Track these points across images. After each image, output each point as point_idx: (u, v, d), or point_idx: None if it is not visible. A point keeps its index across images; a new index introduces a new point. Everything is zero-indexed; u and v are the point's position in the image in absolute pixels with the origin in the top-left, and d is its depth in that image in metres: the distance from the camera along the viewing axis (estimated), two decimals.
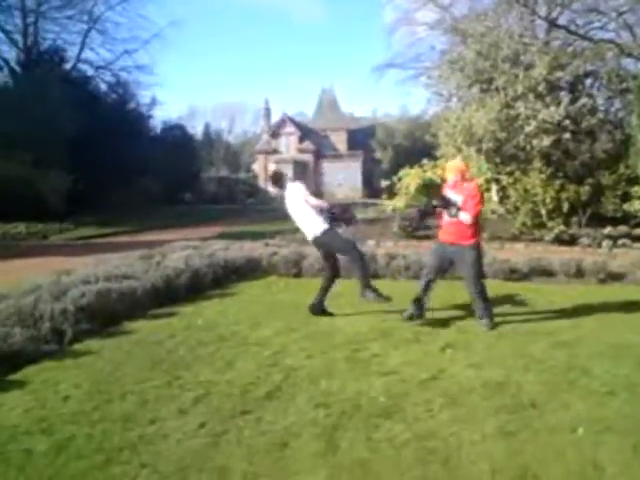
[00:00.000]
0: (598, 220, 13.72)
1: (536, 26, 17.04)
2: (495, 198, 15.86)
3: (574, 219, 13.74)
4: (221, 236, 14.99)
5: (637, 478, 2.99)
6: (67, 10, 28.81)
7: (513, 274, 8.57)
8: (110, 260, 9.19)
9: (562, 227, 13.08)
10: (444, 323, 6.08)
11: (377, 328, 5.89)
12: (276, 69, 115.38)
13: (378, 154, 50.91)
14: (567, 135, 14.20)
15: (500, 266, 8.58)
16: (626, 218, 13.70)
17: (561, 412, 3.75)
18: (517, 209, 14.32)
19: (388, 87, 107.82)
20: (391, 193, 17.03)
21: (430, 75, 18.59)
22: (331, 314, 6.49)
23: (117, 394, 4.22)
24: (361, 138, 51.26)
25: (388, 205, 17.00)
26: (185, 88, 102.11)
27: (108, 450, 3.36)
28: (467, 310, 6.37)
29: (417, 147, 38.27)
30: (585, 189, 13.77)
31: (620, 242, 12.25)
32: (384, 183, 17.21)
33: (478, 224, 6.10)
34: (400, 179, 16.71)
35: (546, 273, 8.64)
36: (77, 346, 5.46)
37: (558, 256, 9.36)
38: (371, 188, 46.81)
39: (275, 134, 51.25)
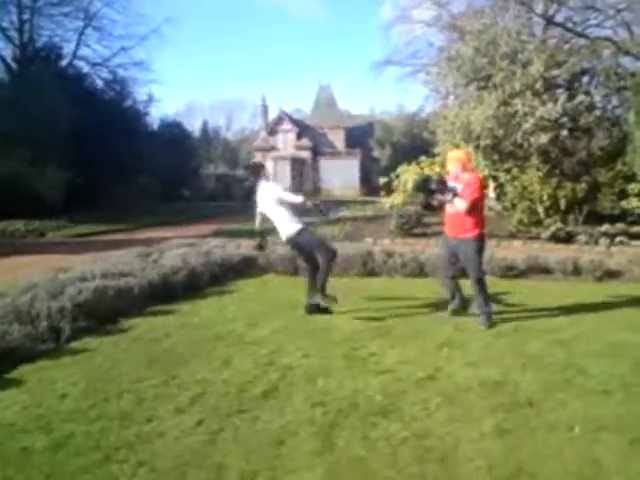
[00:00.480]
0: (595, 218, 13.74)
1: (533, 23, 17.04)
2: (492, 195, 15.88)
3: (571, 216, 13.76)
4: (218, 234, 14.97)
5: (633, 475, 3.00)
6: (63, 7, 28.70)
7: (510, 271, 8.58)
8: (107, 258, 9.18)
9: (559, 224, 13.09)
10: (441, 321, 6.08)
11: (374, 327, 5.90)
12: (274, 66, 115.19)
13: (376, 152, 50.91)
14: (564, 132, 14.21)
15: (497, 263, 8.59)
16: (623, 215, 13.73)
17: (558, 410, 3.76)
18: (514, 206, 14.34)
19: (385, 84, 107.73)
20: (389, 190, 17.03)
21: (428, 72, 18.59)
22: (326, 309, 6.48)
23: (114, 392, 4.22)
24: (359, 136, 51.23)
25: (386, 202, 17.01)
26: (183, 85, 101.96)
27: (106, 448, 3.37)
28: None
29: (415, 144, 38.27)
30: (582, 186, 13.79)
31: (617, 240, 12.27)
32: (382, 180, 17.18)
33: (480, 217, 6.01)
34: (398, 176, 16.72)
35: (543, 271, 8.66)
36: (74, 344, 5.46)
37: (555, 254, 9.38)
38: (369, 186, 46.76)
39: (273, 131, 51.17)
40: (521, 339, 5.40)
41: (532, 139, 14.22)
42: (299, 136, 50.52)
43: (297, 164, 49.45)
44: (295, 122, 51.64)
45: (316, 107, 52.94)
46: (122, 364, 4.87)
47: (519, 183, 14.24)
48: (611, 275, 8.34)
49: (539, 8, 16.57)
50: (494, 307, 6.22)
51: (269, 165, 49.55)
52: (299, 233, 6.37)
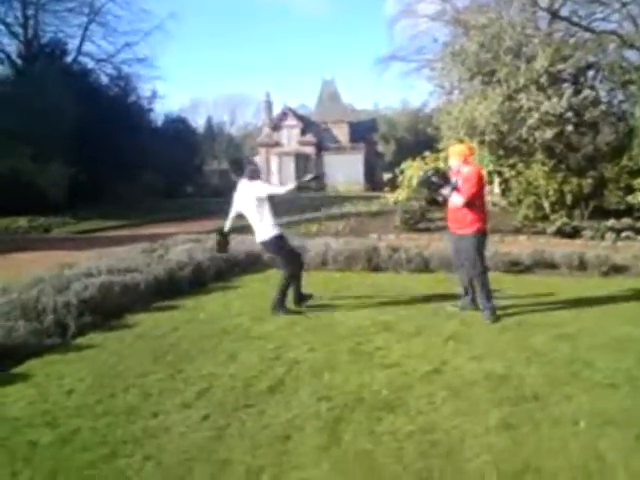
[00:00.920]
0: (601, 213, 13.70)
1: (538, 18, 16.96)
2: (497, 190, 15.85)
3: (577, 211, 13.73)
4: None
5: (638, 469, 2.99)
6: (67, 2, 28.70)
7: (515, 266, 8.56)
8: (113, 253, 9.20)
9: (565, 220, 13.04)
10: (447, 316, 6.08)
11: (379, 321, 5.90)
12: (278, 62, 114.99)
13: (380, 147, 50.84)
14: (570, 127, 14.16)
15: (501, 258, 8.57)
16: (629, 210, 13.68)
17: (563, 405, 3.75)
18: (519, 201, 14.29)
19: (389, 80, 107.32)
20: (393, 186, 17.01)
21: (432, 68, 18.55)
22: (310, 296, 6.55)
23: (120, 387, 4.24)
24: (363, 131, 51.15)
25: (390, 198, 16.99)
26: (187, 81, 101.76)
27: (112, 443, 3.38)
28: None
29: (420, 140, 38.18)
30: (588, 182, 13.75)
31: (623, 235, 12.22)
32: (386, 176, 17.16)
33: (480, 211, 5.96)
34: (402, 172, 16.70)
35: (549, 266, 8.64)
36: (80, 339, 5.48)
37: (561, 249, 9.35)
38: (373, 181, 46.73)
39: (277, 127, 51.11)
40: (526, 333, 5.40)
41: (537, 134, 14.18)
42: (303, 132, 50.45)
43: (301, 160, 49.39)
44: (299, 117, 51.58)
45: (320, 102, 52.85)
46: (128, 359, 4.89)
47: (524, 178, 14.20)
48: (617, 270, 8.32)
49: (544, 2, 16.49)
50: (499, 302, 6.21)
51: (274, 161, 49.64)
52: (275, 238, 6.35)
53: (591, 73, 15.93)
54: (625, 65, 15.21)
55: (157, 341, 5.41)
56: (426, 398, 3.91)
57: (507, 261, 8.56)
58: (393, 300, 6.86)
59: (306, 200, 23.45)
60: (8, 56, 27.20)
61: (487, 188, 15.24)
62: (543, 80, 14.25)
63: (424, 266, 8.70)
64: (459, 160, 6.04)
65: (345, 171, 47.67)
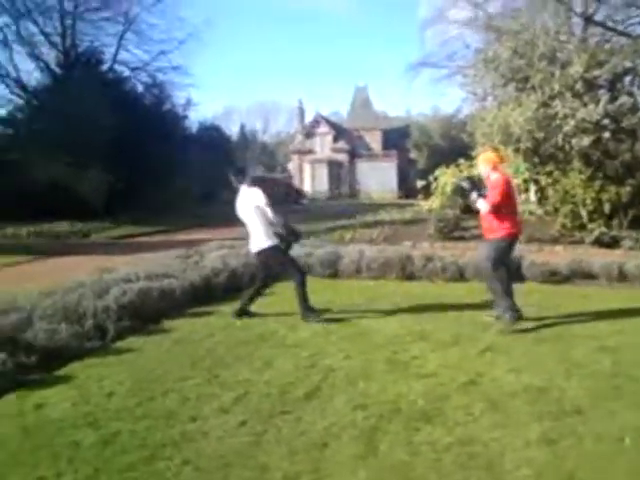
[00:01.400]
0: None
1: (572, 23, 16.71)
2: (533, 199, 15.61)
3: (615, 221, 13.42)
4: None
5: None
6: (103, 12, 29.28)
7: (553, 277, 8.42)
8: (150, 259, 9.35)
9: (603, 229, 12.77)
10: (483, 326, 6.01)
11: (415, 330, 5.86)
12: (310, 69, 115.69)
13: (413, 154, 50.62)
14: (607, 134, 13.88)
15: (539, 269, 8.44)
16: None
17: (606, 420, 3.67)
18: (556, 210, 14.05)
19: (420, 86, 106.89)
20: (427, 193, 16.92)
21: (465, 74, 18.40)
22: (253, 314, 6.52)
23: (159, 391, 4.30)
24: (395, 138, 51.05)
25: (424, 205, 16.90)
26: (219, 89, 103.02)
27: (152, 446, 3.43)
28: None
29: (453, 147, 37.99)
30: (626, 190, 13.42)
31: None
32: (420, 183, 17.08)
33: (507, 218, 5.91)
34: (436, 179, 16.60)
35: (587, 276, 8.47)
36: (119, 343, 5.58)
37: (599, 259, 9.15)
38: (406, 188, 46.57)
39: (309, 134, 51.35)
40: (565, 345, 5.30)
41: (573, 141, 13.94)
42: (336, 139, 50.58)
43: (334, 167, 49.50)
44: (332, 125, 51.75)
45: (352, 109, 52.95)
46: (166, 364, 4.96)
47: (561, 187, 13.95)
48: None
49: (578, 7, 16.25)
50: (536, 312, 6.12)
51: (306, 168, 49.81)
52: (271, 248, 6.33)
53: (628, 79, 15.60)
54: None
55: (194, 346, 5.48)
56: (464, 409, 3.87)
57: (545, 271, 8.42)
58: (428, 309, 6.81)
59: (339, 208, 23.46)
60: (47, 65, 27.89)
61: (523, 197, 15.11)
62: (578, 86, 14.01)
63: (459, 275, 8.62)
64: (488, 167, 6.06)
65: (378, 178, 47.64)
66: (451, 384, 4.34)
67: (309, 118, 52.79)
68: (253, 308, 6.65)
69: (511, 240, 6.05)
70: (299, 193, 41.15)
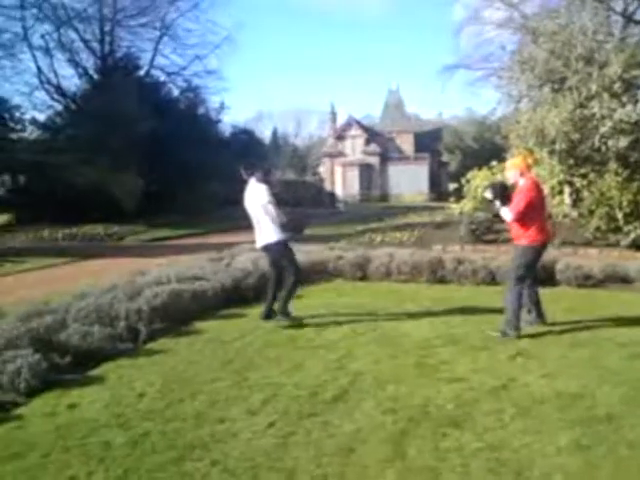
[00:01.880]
0: None
1: (611, 22, 16.35)
2: (568, 201, 15.33)
3: None
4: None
5: None
6: (141, 18, 29.78)
7: (586, 281, 8.26)
8: (182, 261, 9.46)
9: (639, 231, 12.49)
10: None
11: (445, 334, 5.82)
12: (342, 72, 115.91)
13: (445, 157, 50.23)
14: None
15: (573, 272, 8.28)
16: None
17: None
18: (591, 213, 13.77)
19: (454, 88, 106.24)
20: (459, 196, 16.77)
21: (500, 75, 18.19)
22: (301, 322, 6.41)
23: (189, 393, 4.35)
24: (427, 140, 50.71)
25: (455, 208, 16.75)
26: (252, 93, 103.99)
27: (181, 447, 3.47)
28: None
29: (486, 150, 37.57)
30: None
31: None
32: (452, 186, 16.94)
33: (533, 225, 5.71)
34: (468, 181, 16.44)
35: (622, 280, 8.29)
36: (151, 345, 5.67)
37: (635, 262, 8.94)
38: (438, 191, 46.26)
39: (341, 137, 51.37)
40: (598, 351, 5.19)
41: (610, 143, 13.64)
42: (367, 142, 50.49)
43: (365, 170, 49.44)
44: (363, 127, 51.68)
45: (385, 112, 52.80)
46: (196, 365, 5.02)
47: (596, 189, 13.68)
48: None
49: (618, 5, 15.91)
50: (570, 317, 6.00)
51: (337, 171, 49.82)
52: (277, 243, 6.30)
53: None
54: None
55: (224, 348, 5.53)
56: (494, 415, 3.82)
57: (579, 275, 8.26)
58: (458, 313, 6.74)
59: (370, 210, 23.42)
60: (86, 71, 28.49)
61: (557, 199, 14.85)
62: (617, 87, 13.72)
63: (490, 279, 8.52)
64: (515, 172, 5.89)
65: (409, 181, 47.40)
66: (481, 389, 4.29)
67: (341, 121, 52.82)
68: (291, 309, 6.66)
69: (536, 248, 5.81)
70: (333, 197, 41.03)
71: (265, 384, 4.50)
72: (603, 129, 13.50)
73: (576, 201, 14.92)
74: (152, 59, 30.57)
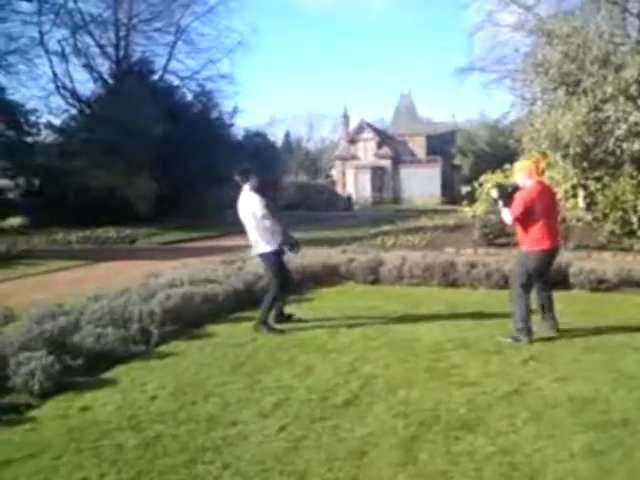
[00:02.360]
0: None
1: (628, 24, 16.24)
2: (582, 205, 15.21)
3: None
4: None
5: None
6: (155, 22, 29.97)
7: (600, 284, 8.19)
8: (194, 264, 9.50)
9: None
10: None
11: (456, 338, 5.79)
12: (355, 76, 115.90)
13: (458, 160, 50.07)
14: None
15: (587, 276, 8.21)
16: None
17: None
18: (605, 216, 13.67)
19: (467, 91, 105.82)
20: (472, 200, 16.70)
21: (514, 78, 18.11)
22: (290, 317, 6.51)
23: (201, 395, 4.37)
24: (440, 143, 50.62)
25: (468, 211, 16.68)
26: (264, 97, 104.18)
27: (192, 450, 3.48)
28: None
29: (498, 153, 37.41)
30: None
31: None
32: (465, 189, 16.86)
33: (536, 231, 5.54)
34: (481, 184, 16.37)
35: (637, 284, 8.20)
36: (163, 347, 5.69)
37: None
38: (450, 194, 46.12)
39: (353, 140, 51.39)
40: (612, 355, 5.15)
41: (625, 146, 13.54)
42: (380, 145, 50.46)
43: (377, 173, 49.40)
44: (376, 131, 51.67)
45: (397, 115, 52.75)
46: (208, 368, 5.04)
47: (611, 192, 13.57)
48: None
49: (635, 7, 15.78)
50: (584, 321, 5.95)
51: (350, 174, 49.82)
52: (272, 253, 6.29)
53: None
54: None
55: (235, 351, 5.54)
56: (506, 419, 3.80)
57: (592, 279, 8.19)
58: (471, 316, 6.71)
59: (382, 213, 23.40)
60: (100, 76, 28.73)
61: (571, 202, 14.73)
62: (632, 90, 13.60)
63: (503, 282, 8.45)
64: (524, 175, 5.79)
65: (422, 184, 47.28)
66: (493, 393, 4.26)
67: (353, 125, 52.84)
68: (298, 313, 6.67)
69: (537, 255, 5.62)
70: (350, 200, 40.79)
71: (276, 387, 4.51)
72: (618, 132, 13.40)
73: (590, 205, 14.80)
74: (166, 63, 30.75)
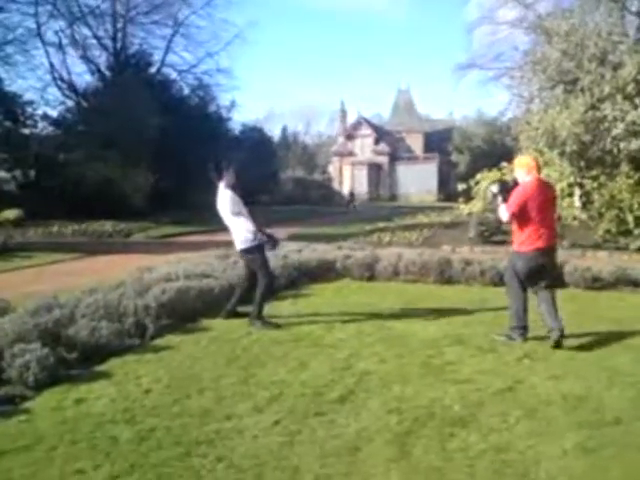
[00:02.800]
0: None
1: (626, 23, 16.25)
2: (578, 204, 15.26)
3: None
4: (293, 237, 15.16)
5: None
6: (153, 15, 29.91)
7: (595, 283, 8.22)
8: (190, 258, 9.49)
9: None
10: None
11: (451, 335, 5.80)
12: (352, 70, 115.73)
13: (454, 157, 50.11)
14: None
15: (582, 274, 8.25)
16: None
17: None
18: (601, 215, 13.71)
19: (465, 88, 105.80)
20: (468, 197, 16.73)
21: (512, 76, 18.13)
22: (244, 314, 6.45)
23: (195, 389, 4.37)
24: (437, 140, 50.65)
25: (464, 209, 16.71)
26: (262, 91, 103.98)
27: (186, 443, 3.48)
28: None
29: (495, 150, 37.46)
30: None
31: None
32: (461, 187, 16.88)
33: (530, 230, 5.41)
34: (477, 182, 16.40)
35: (632, 283, 8.24)
36: (157, 341, 5.68)
37: None
38: (447, 191, 46.13)
39: (350, 136, 51.38)
40: (606, 353, 5.17)
41: (622, 145, 13.59)
42: (377, 141, 50.47)
43: (374, 169, 49.40)
44: (373, 127, 51.67)
45: (395, 112, 52.77)
46: (202, 362, 5.03)
47: (607, 191, 13.62)
48: None
49: (633, 5, 15.80)
50: (578, 319, 5.96)
51: (346, 170, 49.80)
52: (256, 248, 6.31)
53: None
54: None
55: (230, 345, 5.54)
56: (499, 416, 3.81)
57: (587, 277, 8.23)
58: (466, 313, 6.73)
59: (378, 210, 23.42)
60: (98, 68, 28.63)
61: (567, 201, 14.77)
62: (630, 89, 13.63)
63: (499, 280, 8.47)
64: (523, 172, 5.68)
65: (418, 181, 47.34)
66: (487, 390, 4.28)
67: (351, 120, 52.79)
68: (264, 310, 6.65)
69: (527, 256, 5.46)
70: (353, 196, 40.52)
71: (271, 382, 4.51)
72: (615, 131, 13.45)
73: (586, 203, 14.86)
74: (164, 56, 30.69)
